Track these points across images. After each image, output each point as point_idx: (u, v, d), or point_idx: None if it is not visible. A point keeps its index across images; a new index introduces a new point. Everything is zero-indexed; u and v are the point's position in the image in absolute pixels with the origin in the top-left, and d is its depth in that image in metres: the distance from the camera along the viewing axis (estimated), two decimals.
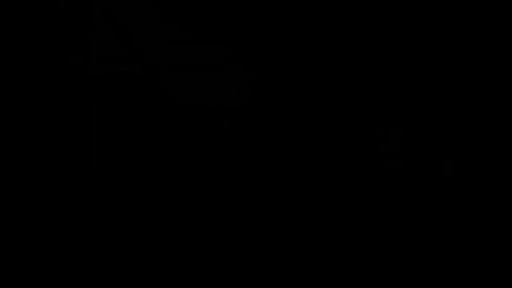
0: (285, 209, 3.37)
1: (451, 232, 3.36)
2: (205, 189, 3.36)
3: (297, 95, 3.42)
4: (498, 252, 3.32)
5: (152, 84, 3.37)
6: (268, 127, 3.41)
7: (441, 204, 3.38)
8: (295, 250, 3.33)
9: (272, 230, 3.35)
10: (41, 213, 3.27)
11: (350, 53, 3.44)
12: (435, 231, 3.36)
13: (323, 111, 3.42)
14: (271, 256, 3.33)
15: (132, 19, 3.38)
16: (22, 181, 3.27)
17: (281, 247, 3.34)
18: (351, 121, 3.41)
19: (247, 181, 3.37)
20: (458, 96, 3.43)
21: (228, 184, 3.37)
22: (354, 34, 3.44)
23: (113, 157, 3.33)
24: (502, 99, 3.42)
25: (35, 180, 3.27)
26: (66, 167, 3.30)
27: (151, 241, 3.31)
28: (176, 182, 3.35)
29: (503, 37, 3.42)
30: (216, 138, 3.38)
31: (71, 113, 3.32)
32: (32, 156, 3.28)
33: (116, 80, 3.35)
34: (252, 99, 3.42)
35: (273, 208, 3.37)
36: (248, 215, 3.36)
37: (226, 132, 3.38)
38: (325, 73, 3.43)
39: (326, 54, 3.44)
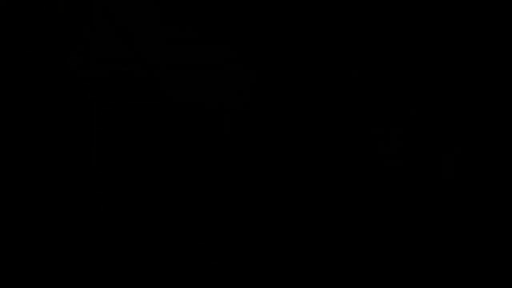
0: (285, 209, 3.37)
1: (451, 232, 3.36)
2: (205, 189, 3.36)
3: (297, 95, 3.42)
4: (498, 252, 3.32)
5: (152, 84, 3.37)
6: (268, 127, 3.41)
7: (441, 204, 3.38)
8: (295, 250, 3.33)
9: (272, 230, 3.35)
10: (41, 213, 3.27)
11: (350, 53, 3.44)
12: (435, 231, 3.36)
13: (323, 111, 3.42)
14: (271, 256, 3.33)
15: (132, 19, 3.38)
16: (22, 181, 3.27)
17: (281, 247, 3.34)
18: (351, 121, 3.41)
19: (247, 181, 3.37)
20: (458, 96, 3.43)
21: (228, 184, 3.37)
22: (354, 34, 3.44)
23: (113, 157, 3.33)
24: (502, 99, 3.42)
25: (35, 180, 3.27)
26: (66, 167, 3.30)
27: (151, 241, 3.31)
28: (176, 182, 3.35)
29: (503, 37, 3.42)
30: (216, 138, 3.38)
31: (71, 113, 3.32)
32: (32, 156, 3.28)
33: (116, 80, 3.35)
34: (252, 99, 3.42)
35: (273, 208, 3.37)
36: (248, 215, 3.36)
37: (226, 132, 3.38)
38: (325, 73, 3.43)
39: (326, 54, 3.44)
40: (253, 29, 3.43)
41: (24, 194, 3.27)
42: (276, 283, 3.30)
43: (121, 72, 3.36)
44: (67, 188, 3.29)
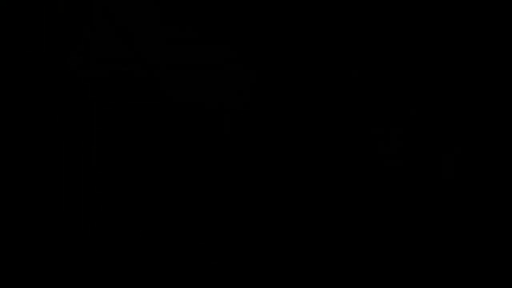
0: (285, 209, 3.37)
1: (451, 232, 3.36)
2: (205, 189, 3.36)
3: (297, 95, 3.42)
4: (498, 252, 3.32)
5: (152, 84, 3.37)
6: (268, 127, 3.41)
7: (441, 204, 3.38)
8: (295, 250, 3.33)
9: (272, 230, 3.35)
10: (41, 213, 3.27)
11: (350, 53, 3.44)
12: (435, 231, 3.36)
13: (323, 111, 3.42)
14: (271, 256, 3.33)
15: (132, 19, 3.38)
16: (22, 181, 3.27)
17: (281, 247, 3.34)
18: (351, 121, 3.41)
19: (247, 181, 3.37)
20: (458, 96, 3.43)
21: (228, 184, 3.37)
22: (354, 34, 3.44)
23: (113, 157, 3.33)
24: (502, 99, 3.42)
25: (35, 180, 3.27)
26: (66, 167, 3.30)
27: (151, 241, 3.31)
28: (176, 182, 3.35)
29: (503, 37, 3.42)
30: (216, 138, 3.38)
31: (71, 113, 3.32)
32: (32, 156, 3.28)
33: (116, 80, 3.35)
34: (252, 99, 3.42)
35: (273, 208, 3.37)
36: (248, 215, 3.36)
37: (226, 132, 3.38)
38: (325, 73, 3.43)
39: (326, 54, 3.44)
40: (253, 29, 3.43)
41: (24, 194, 3.27)
42: (276, 283, 3.30)
43: (121, 72, 3.36)
44: (67, 188, 3.29)
